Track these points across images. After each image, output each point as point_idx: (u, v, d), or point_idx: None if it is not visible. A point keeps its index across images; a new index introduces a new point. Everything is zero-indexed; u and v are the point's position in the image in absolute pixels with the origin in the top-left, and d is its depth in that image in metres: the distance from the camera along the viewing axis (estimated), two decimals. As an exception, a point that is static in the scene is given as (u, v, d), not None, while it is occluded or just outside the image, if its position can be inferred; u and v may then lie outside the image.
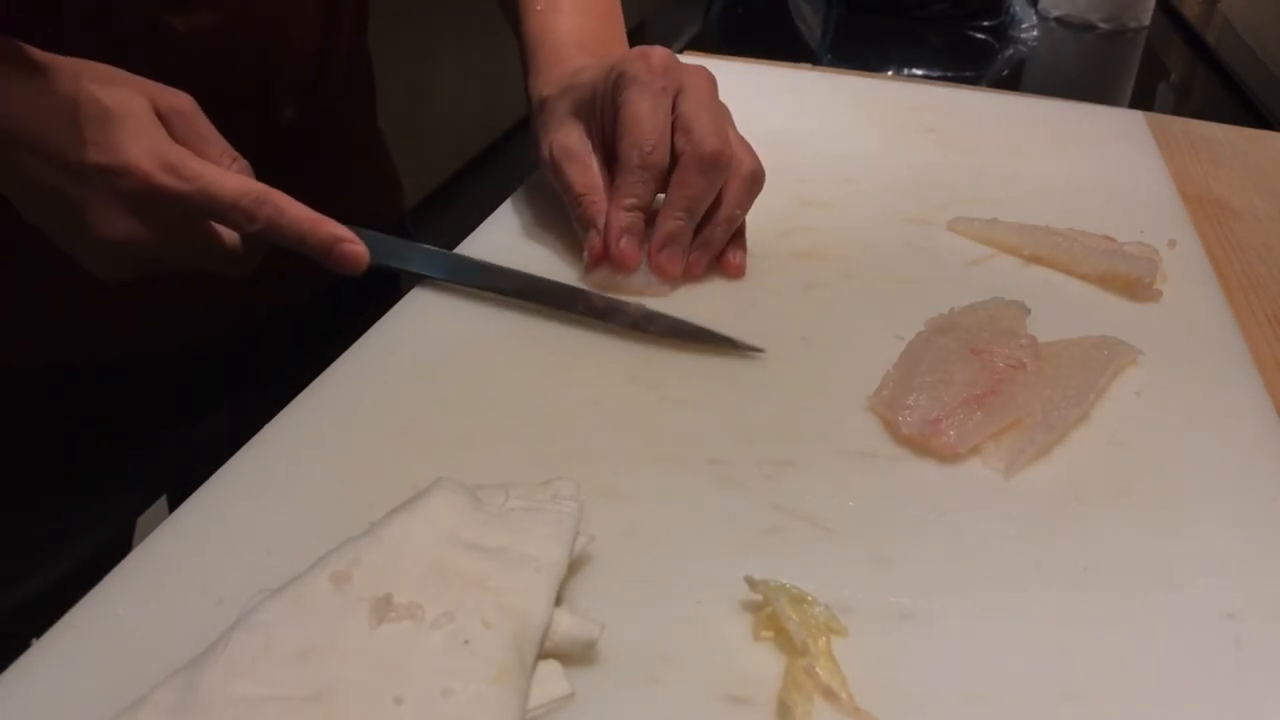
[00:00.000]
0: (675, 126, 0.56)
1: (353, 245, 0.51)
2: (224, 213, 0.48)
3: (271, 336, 0.69)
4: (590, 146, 0.59)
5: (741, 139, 0.59)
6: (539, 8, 0.65)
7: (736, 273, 0.59)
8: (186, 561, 0.38)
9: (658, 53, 0.56)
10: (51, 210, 0.48)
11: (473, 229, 0.63)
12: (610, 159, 0.58)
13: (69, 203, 0.47)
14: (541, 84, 0.62)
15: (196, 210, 0.48)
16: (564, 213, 0.61)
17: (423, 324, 0.53)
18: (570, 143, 0.59)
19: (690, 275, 0.58)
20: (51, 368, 0.62)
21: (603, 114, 0.57)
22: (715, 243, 0.58)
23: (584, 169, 0.58)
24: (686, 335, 0.52)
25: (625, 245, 0.56)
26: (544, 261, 0.60)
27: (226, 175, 0.48)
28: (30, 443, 0.64)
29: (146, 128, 0.47)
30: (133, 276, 0.51)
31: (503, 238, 0.63)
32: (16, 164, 0.47)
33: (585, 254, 0.57)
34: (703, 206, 0.56)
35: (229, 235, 0.50)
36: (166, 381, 0.67)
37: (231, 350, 0.68)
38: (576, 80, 0.59)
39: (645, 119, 0.55)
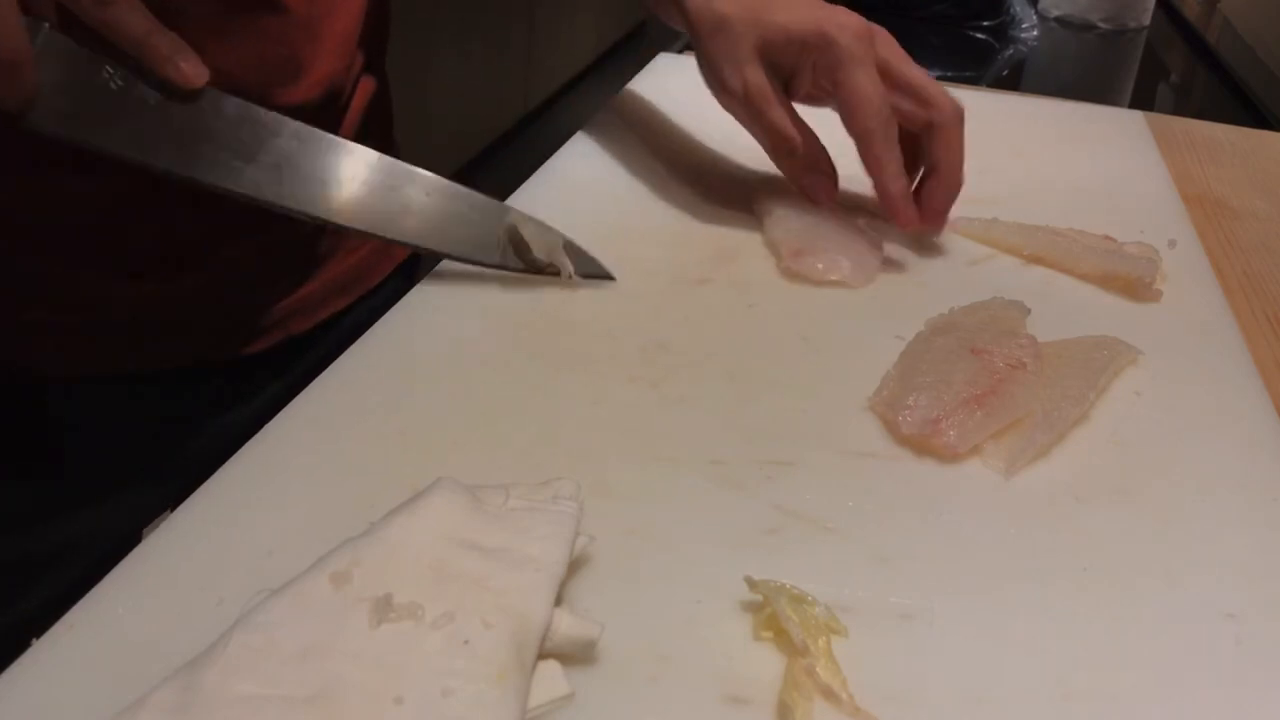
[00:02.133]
0: (900, 91, 0.61)
1: (191, 62, 0.47)
2: None
3: (283, 360, 0.68)
4: (779, 91, 0.61)
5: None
6: None
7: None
8: (186, 561, 0.38)
9: (854, 21, 0.59)
10: None
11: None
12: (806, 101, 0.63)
13: None
14: (720, 4, 0.61)
15: None
16: (565, 211, 0.61)
17: (423, 323, 0.53)
18: (766, 86, 0.61)
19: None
20: (71, 379, 0.62)
21: (797, 70, 0.61)
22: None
23: (789, 116, 0.62)
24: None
25: (910, 211, 0.61)
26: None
27: None
28: (50, 453, 0.63)
29: None
30: None
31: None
32: None
33: (817, 194, 0.63)
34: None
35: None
36: (183, 396, 0.66)
37: (247, 369, 0.67)
38: (767, 17, 0.60)
39: (874, 95, 0.59)
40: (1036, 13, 1.44)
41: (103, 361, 0.60)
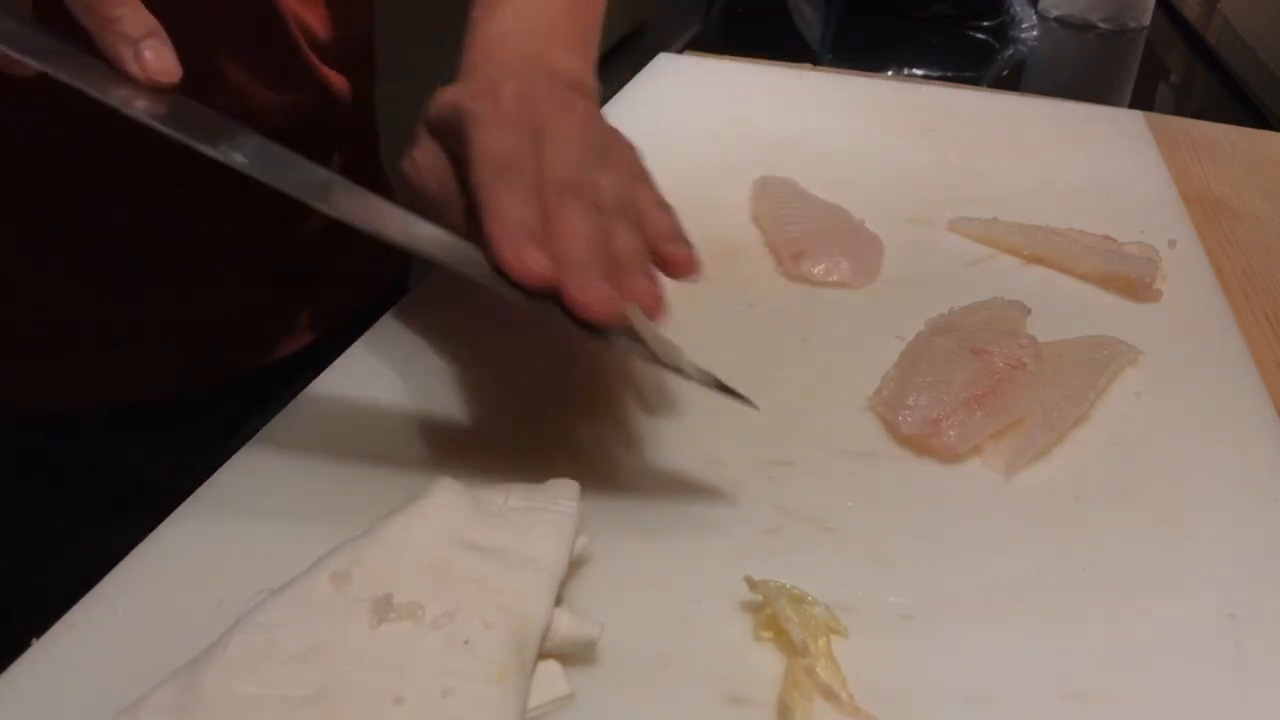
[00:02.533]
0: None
1: (162, 50, 0.39)
2: None
3: (270, 386, 0.64)
4: (448, 165, 0.49)
5: None
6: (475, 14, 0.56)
7: None
8: (186, 561, 0.38)
9: (514, 87, 0.47)
10: None
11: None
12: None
13: None
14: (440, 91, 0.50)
15: None
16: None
17: (423, 324, 0.53)
18: (421, 159, 0.50)
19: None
20: (54, 413, 0.60)
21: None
22: None
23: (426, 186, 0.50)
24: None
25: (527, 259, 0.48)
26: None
27: None
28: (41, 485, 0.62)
29: None
30: None
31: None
32: None
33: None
34: None
35: None
36: (170, 426, 0.64)
37: (230, 399, 0.64)
38: (441, 96, 0.49)
39: (501, 148, 0.44)
40: (1036, 13, 1.44)
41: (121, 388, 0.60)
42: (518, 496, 0.38)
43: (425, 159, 0.49)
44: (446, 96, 0.49)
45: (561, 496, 0.39)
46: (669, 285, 0.60)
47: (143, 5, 0.39)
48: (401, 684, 0.31)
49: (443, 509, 0.37)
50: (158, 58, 0.39)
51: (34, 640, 0.34)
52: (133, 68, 0.39)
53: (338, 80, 0.63)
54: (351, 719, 0.30)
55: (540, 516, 0.37)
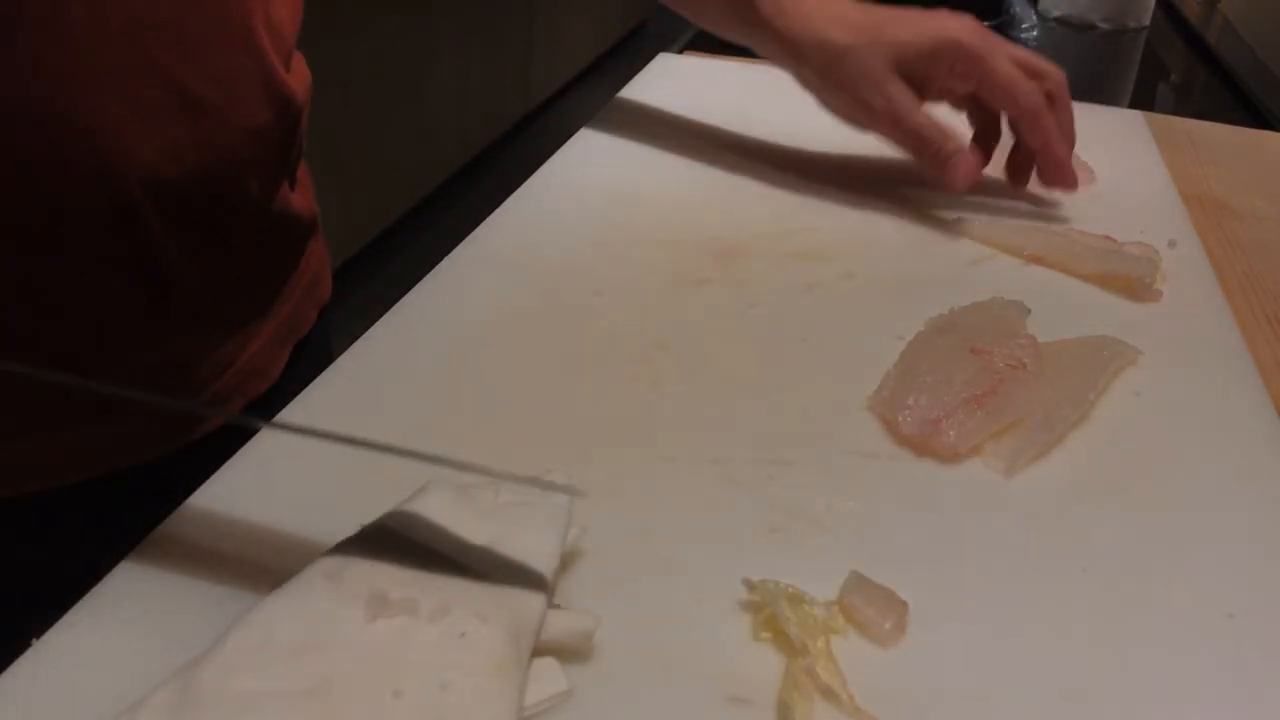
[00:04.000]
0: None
1: None
2: None
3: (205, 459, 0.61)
4: (916, 100, 0.67)
5: None
6: None
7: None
8: (186, 562, 0.38)
9: (968, 22, 0.67)
10: None
11: (473, 229, 0.63)
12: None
13: None
14: (808, 25, 0.68)
15: None
16: (565, 211, 0.61)
17: (421, 324, 0.53)
18: (905, 96, 0.67)
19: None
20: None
21: (929, 77, 0.67)
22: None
23: (928, 118, 0.67)
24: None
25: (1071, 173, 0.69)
26: (550, 262, 0.60)
27: None
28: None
29: None
30: None
31: (502, 240, 0.63)
32: None
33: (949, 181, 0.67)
34: None
35: None
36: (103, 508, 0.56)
37: (163, 474, 0.57)
38: (889, 37, 0.66)
39: (1020, 78, 0.66)
40: (1036, 13, 1.44)
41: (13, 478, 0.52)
42: (509, 491, 0.39)
43: (898, 93, 0.67)
44: (906, 35, 0.67)
45: (553, 490, 0.39)
46: (668, 284, 0.60)
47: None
48: (399, 677, 0.31)
49: (435, 506, 0.37)
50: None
51: (34, 640, 0.34)
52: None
53: (298, 87, 0.56)
54: (350, 713, 0.30)
55: (532, 510, 0.38)
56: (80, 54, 0.43)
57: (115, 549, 0.39)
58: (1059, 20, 1.47)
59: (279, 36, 0.53)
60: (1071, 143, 0.69)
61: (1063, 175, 0.68)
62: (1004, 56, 0.66)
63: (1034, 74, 0.67)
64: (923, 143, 0.68)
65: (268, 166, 0.55)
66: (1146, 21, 1.46)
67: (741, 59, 1.00)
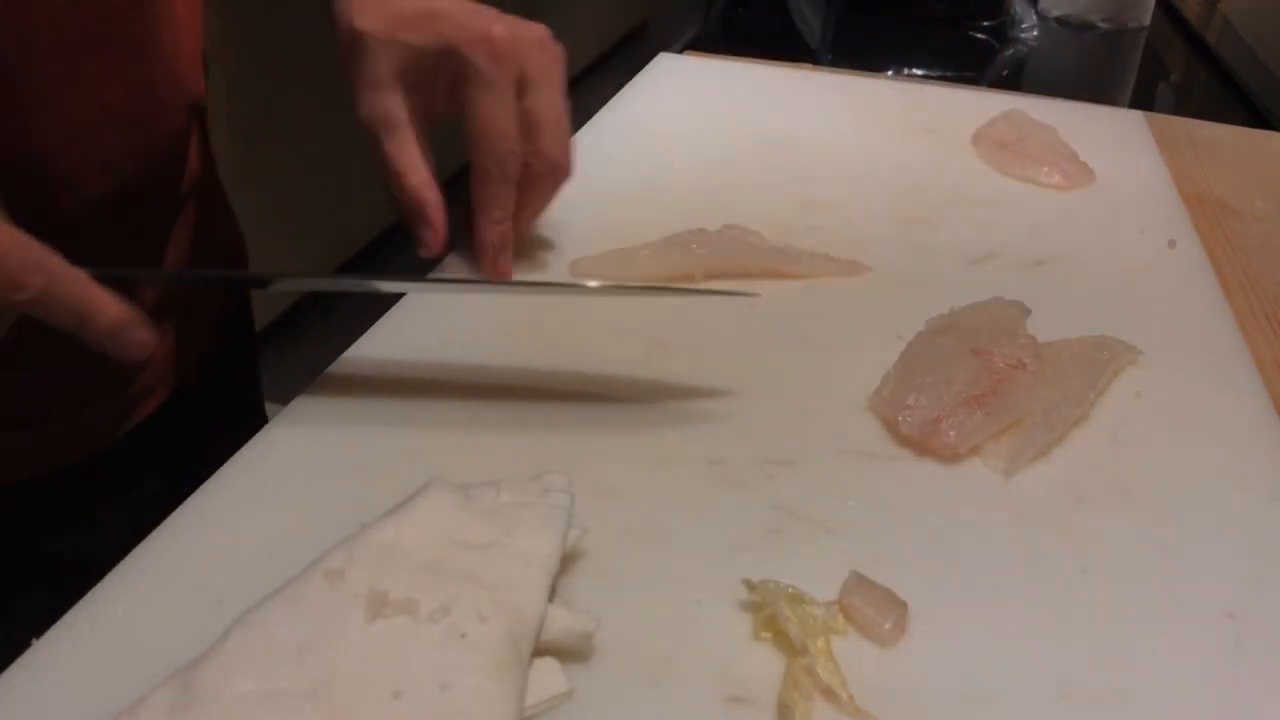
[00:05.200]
0: (521, 124, 0.53)
1: (141, 331, 0.42)
2: None
3: (134, 451, 0.59)
4: (409, 118, 0.54)
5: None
6: None
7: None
8: (186, 561, 0.38)
9: (496, 30, 0.52)
10: None
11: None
12: (427, 126, 0.55)
13: None
14: (356, 12, 0.54)
15: None
16: (565, 211, 0.61)
17: (423, 324, 0.53)
18: (391, 111, 0.53)
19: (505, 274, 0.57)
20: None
21: (432, 91, 0.54)
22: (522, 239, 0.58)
23: (408, 149, 0.53)
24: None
25: (503, 262, 0.56)
26: (550, 261, 0.60)
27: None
28: None
29: None
30: None
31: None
32: None
33: (421, 246, 0.54)
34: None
35: None
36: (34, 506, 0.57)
37: (94, 470, 0.58)
38: (401, 36, 0.53)
39: (499, 128, 0.53)
40: (1036, 13, 1.44)
41: None
42: (509, 492, 0.39)
43: (384, 107, 0.53)
44: (415, 37, 0.52)
45: (553, 490, 0.39)
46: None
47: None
48: (400, 678, 0.31)
49: (435, 507, 0.37)
50: (143, 340, 0.42)
51: (34, 640, 0.34)
52: (124, 350, 0.41)
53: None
54: (351, 713, 0.30)
55: (532, 510, 0.38)
56: (12, 74, 0.43)
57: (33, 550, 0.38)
58: (1059, 20, 1.47)
59: (192, 43, 0.54)
60: (517, 226, 0.56)
61: (485, 259, 0.55)
62: (497, 93, 0.52)
63: (533, 142, 0.54)
64: (387, 177, 0.54)
65: (188, 165, 0.56)
66: (1146, 21, 1.46)
67: (742, 59, 1.00)
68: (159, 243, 0.56)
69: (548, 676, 0.33)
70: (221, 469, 0.42)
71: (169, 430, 0.61)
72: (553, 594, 0.35)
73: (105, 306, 0.40)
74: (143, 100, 0.50)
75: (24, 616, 0.39)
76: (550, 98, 0.54)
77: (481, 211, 0.55)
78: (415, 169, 0.53)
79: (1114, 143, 0.84)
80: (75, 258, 0.49)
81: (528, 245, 0.61)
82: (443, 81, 0.53)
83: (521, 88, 0.53)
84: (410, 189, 0.53)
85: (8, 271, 0.38)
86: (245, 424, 0.49)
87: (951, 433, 0.46)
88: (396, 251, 2.22)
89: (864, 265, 0.61)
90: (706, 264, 0.59)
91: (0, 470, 0.53)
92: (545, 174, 0.55)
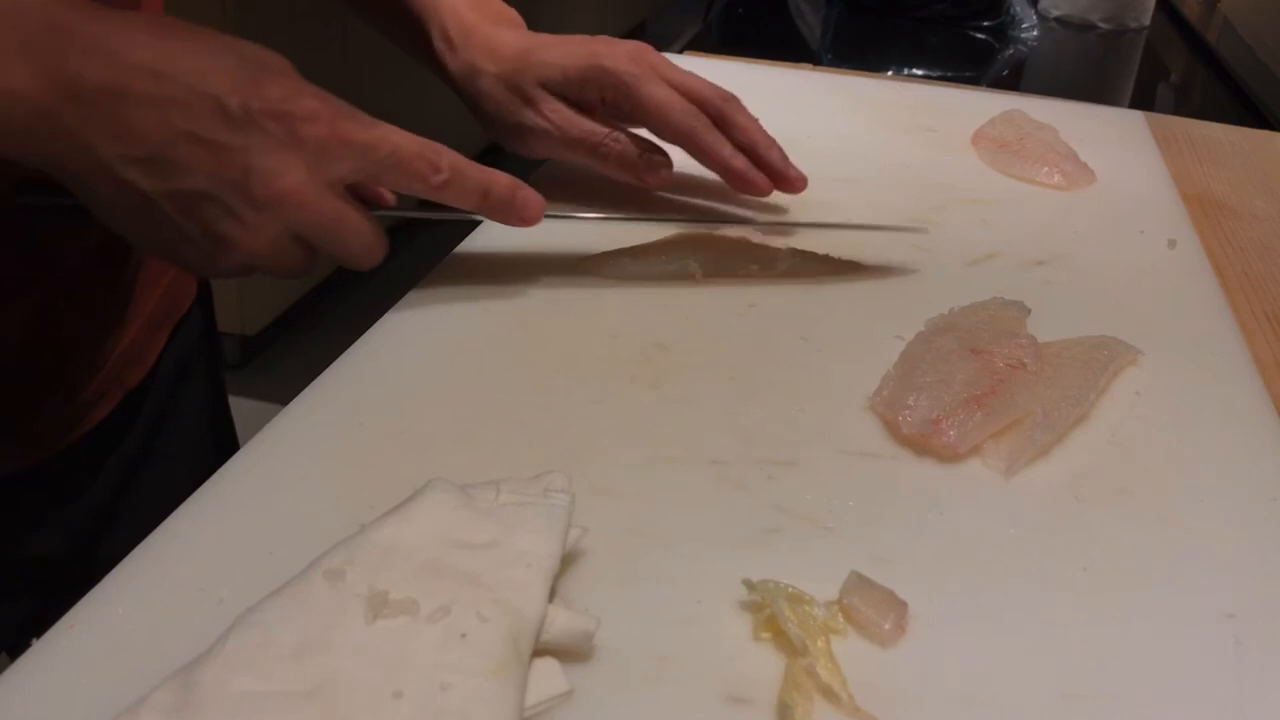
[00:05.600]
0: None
1: (529, 190, 0.48)
2: (408, 164, 0.45)
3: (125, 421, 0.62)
4: (568, 109, 0.63)
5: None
6: None
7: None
8: (186, 561, 0.38)
9: (622, 45, 0.63)
10: (185, 173, 0.41)
11: (473, 228, 0.63)
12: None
13: (226, 155, 0.41)
14: (467, 55, 0.64)
15: (375, 163, 0.44)
16: (568, 210, 0.61)
17: (421, 324, 0.53)
18: (563, 108, 0.63)
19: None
20: None
21: (585, 104, 0.63)
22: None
23: (593, 122, 0.63)
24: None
25: (759, 179, 0.64)
26: (551, 260, 0.60)
27: (395, 129, 0.44)
28: None
29: (301, 79, 0.43)
30: (247, 267, 0.45)
31: (502, 239, 0.62)
32: (130, 126, 0.39)
33: (656, 175, 0.63)
34: None
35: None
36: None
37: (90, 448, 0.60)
38: (536, 59, 0.62)
39: (669, 101, 0.62)
40: (1036, 13, 1.44)
41: None
42: (509, 491, 0.39)
43: (552, 108, 0.62)
44: (552, 57, 0.62)
45: (553, 490, 0.39)
46: (668, 284, 0.60)
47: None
48: (400, 678, 0.31)
49: (435, 508, 0.37)
50: (534, 199, 0.50)
51: (34, 640, 0.34)
52: (521, 211, 0.49)
53: None
54: (351, 713, 0.30)
55: (532, 510, 0.38)
56: None
57: None
58: (1059, 20, 1.47)
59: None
60: (759, 146, 0.64)
61: (745, 182, 0.64)
62: (656, 81, 0.62)
63: (694, 96, 0.63)
64: (597, 146, 0.63)
65: None
66: (1146, 21, 1.46)
67: (742, 59, 1.00)
68: (108, 237, 0.55)
69: (548, 676, 0.33)
70: (221, 469, 0.42)
71: (120, 436, 0.60)
72: (553, 594, 0.35)
73: (498, 176, 0.47)
74: None
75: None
76: (680, 72, 0.64)
77: (715, 155, 0.63)
78: (603, 128, 0.63)
79: (1114, 143, 0.84)
80: (84, 241, 0.50)
81: (527, 246, 0.62)
82: (592, 97, 0.63)
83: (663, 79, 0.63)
84: (628, 141, 0.63)
85: (430, 160, 0.45)
86: (215, 436, 0.49)
87: (951, 433, 0.46)
88: (398, 248, 2.21)
89: (864, 265, 0.61)
90: (706, 264, 0.59)
91: None
92: (729, 113, 0.64)
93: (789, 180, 0.65)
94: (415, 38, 0.65)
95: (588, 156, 0.63)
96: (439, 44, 0.64)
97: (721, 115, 0.64)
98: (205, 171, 0.41)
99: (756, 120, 0.65)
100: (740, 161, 0.63)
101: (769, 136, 0.65)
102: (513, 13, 0.67)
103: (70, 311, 0.54)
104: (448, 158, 0.45)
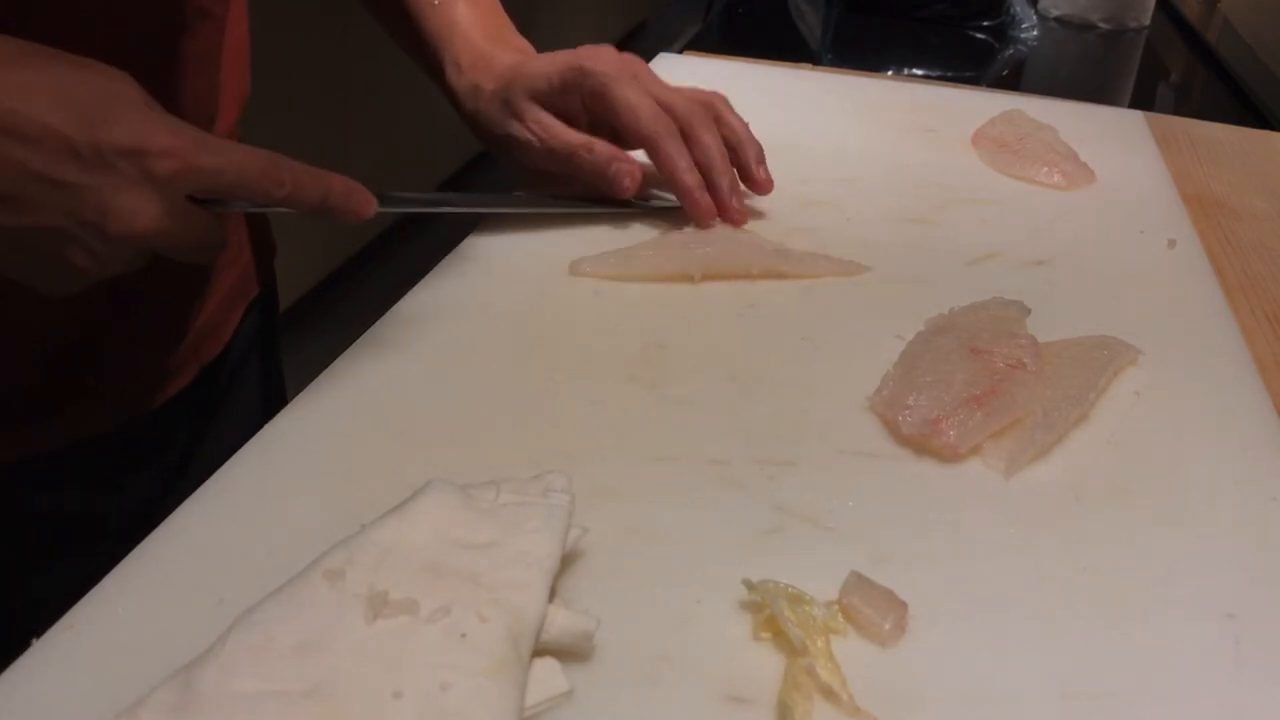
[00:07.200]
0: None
1: (364, 192, 0.49)
2: (254, 183, 0.45)
3: (153, 428, 0.63)
4: (554, 120, 0.64)
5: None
6: (436, 2, 0.69)
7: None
8: (186, 561, 0.38)
9: (606, 51, 0.65)
10: (36, 211, 0.41)
11: (473, 228, 0.63)
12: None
13: (79, 195, 0.40)
14: (472, 76, 0.67)
15: (224, 186, 0.44)
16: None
17: (422, 324, 0.53)
18: (547, 119, 0.64)
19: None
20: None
21: (570, 111, 0.64)
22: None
23: (565, 132, 0.64)
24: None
25: (705, 200, 0.63)
26: (552, 260, 0.60)
27: (240, 147, 0.45)
28: None
29: (151, 108, 0.42)
30: (86, 286, 0.45)
31: (502, 239, 0.63)
32: None
33: (620, 186, 0.63)
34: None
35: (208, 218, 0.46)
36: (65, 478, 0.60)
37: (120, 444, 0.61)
38: (524, 71, 0.65)
39: (636, 102, 0.62)
40: (1036, 13, 1.44)
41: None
42: (509, 491, 0.39)
43: (537, 117, 0.64)
44: (537, 68, 0.64)
45: (553, 490, 0.39)
46: (668, 284, 0.60)
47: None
48: (400, 678, 0.31)
49: (435, 508, 0.37)
50: (367, 199, 0.49)
51: (34, 640, 0.34)
52: (356, 210, 0.48)
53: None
54: (351, 713, 0.30)
55: (532, 510, 0.38)
56: None
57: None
58: (1059, 20, 1.47)
59: (235, 51, 0.60)
60: (714, 169, 0.64)
61: (691, 201, 0.63)
62: (632, 85, 0.63)
63: (666, 105, 0.63)
64: (572, 155, 0.64)
65: None
66: (1146, 21, 1.46)
67: (742, 59, 1.00)
68: None
69: (548, 676, 0.33)
70: (222, 469, 0.42)
71: (192, 408, 0.64)
72: (553, 594, 0.35)
73: (334, 180, 0.47)
74: (194, 103, 0.56)
75: (65, 576, 0.41)
76: (662, 85, 0.65)
77: (672, 168, 0.63)
78: (580, 138, 0.64)
79: (1114, 143, 0.84)
80: None
81: (527, 246, 0.62)
82: (574, 100, 0.64)
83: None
84: (603, 146, 0.63)
85: (274, 178, 0.45)
86: (269, 404, 0.51)
87: (951, 433, 0.46)
88: (401, 245, 2.22)
89: (863, 265, 0.61)
90: (706, 264, 0.59)
91: (42, 436, 0.57)
92: (699, 128, 0.64)
93: (756, 182, 0.65)
94: (428, 60, 0.69)
95: (564, 165, 0.64)
96: (450, 69, 0.67)
97: (689, 128, 0.63)
98: (59, 210, 0.41)
99: (743, 126, 0.65)
100: (691, 178, 0.63)
101: (727, 162, 0.64)
102: (524, 42, 0.70)
103: (152, 286, 0.56)
104: (288, 172, 0.45)
